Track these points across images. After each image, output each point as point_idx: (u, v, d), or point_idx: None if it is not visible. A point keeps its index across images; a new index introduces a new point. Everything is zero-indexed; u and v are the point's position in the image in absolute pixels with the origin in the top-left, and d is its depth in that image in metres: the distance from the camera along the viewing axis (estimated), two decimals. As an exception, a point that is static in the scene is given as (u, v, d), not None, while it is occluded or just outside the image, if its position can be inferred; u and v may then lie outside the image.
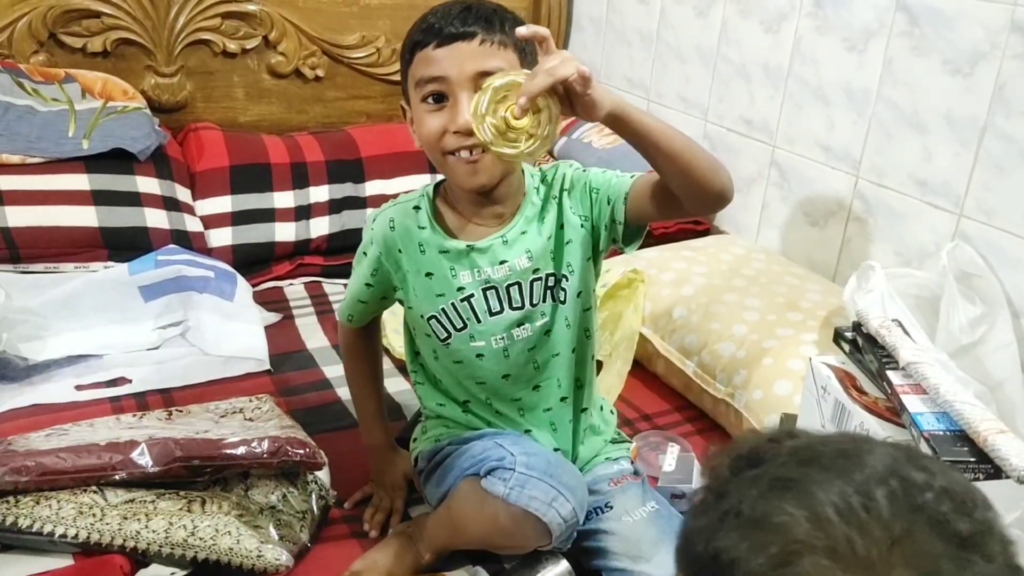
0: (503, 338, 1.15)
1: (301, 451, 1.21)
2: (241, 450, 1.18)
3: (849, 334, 1.05)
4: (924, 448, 0.86)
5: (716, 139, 2.02)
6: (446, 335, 1.16)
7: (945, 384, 0.88)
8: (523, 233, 1.12)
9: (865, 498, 0.48)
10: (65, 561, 1.13)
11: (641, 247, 1.12)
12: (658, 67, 2.20)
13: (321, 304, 1.89)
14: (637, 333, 1.63)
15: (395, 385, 1.55)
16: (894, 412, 0.93)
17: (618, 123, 0.95)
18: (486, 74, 1.01)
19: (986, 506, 0.51)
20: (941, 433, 0.85)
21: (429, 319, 1.15)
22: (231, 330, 1.64)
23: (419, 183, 1.94)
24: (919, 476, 0.50)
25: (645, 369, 1.67)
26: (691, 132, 2.00)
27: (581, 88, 0.90)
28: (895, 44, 1.60)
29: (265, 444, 1.19)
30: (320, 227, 2.02)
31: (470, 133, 0.98)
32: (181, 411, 1.41)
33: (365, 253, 1.19)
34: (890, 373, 0.94)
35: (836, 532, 0.47)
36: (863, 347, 1.01)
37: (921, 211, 1.58)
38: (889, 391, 0.93)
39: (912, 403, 0.89)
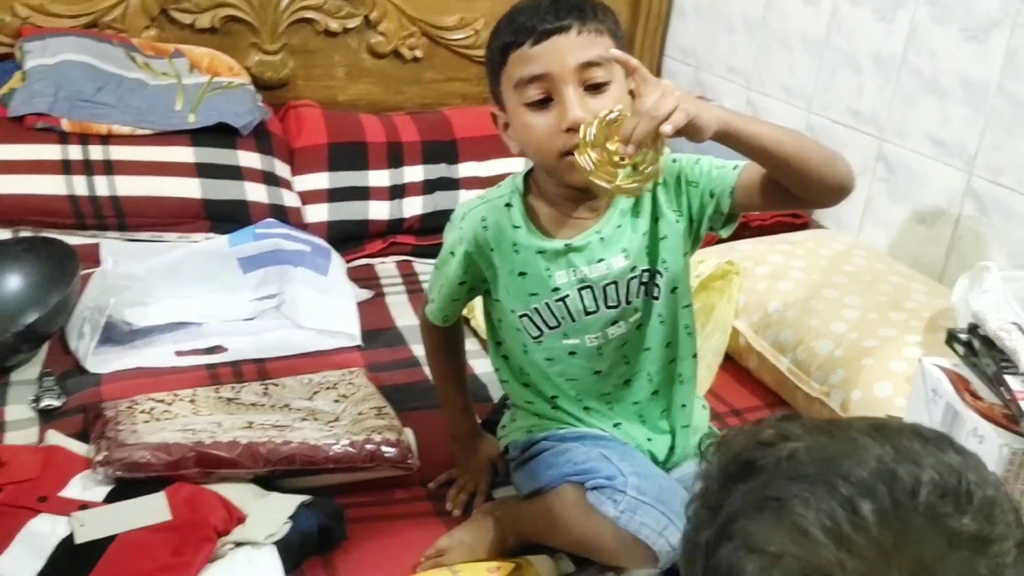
0: (597, 336, 1.13)
1: (393, 450, 1.24)
2: (338, 453, 1.22)
3: (964, 336, 1.00)
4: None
5: (819, 130, 1.96)
6: (538, 333, 1.14)
7: (1071, 392, 0.83)
8: (618, 227, 1.09)
9: (851, 513, 0.49)
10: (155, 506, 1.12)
11: (735, 239, 1.09)
12: (763, 55, 2.14)
13: (412, 283, 1.90)
14: (730, 326, 1.59)
15: (481, 367, 1.54)
16: (1011, 419, 0.88)
17: (726, 139, 0.94)
18: (589, 64, 1.00)
19: (984, 483, 0.50)
20: (1065, 444, 0.81)
21: (521, 316, 1.14)
22: (325, 304, 1.67)
23: (512, 167, 1.93)
24: (908, 474, 0.50)
25: (736, 363, 1.63)
26: (793, 123, 1.95)
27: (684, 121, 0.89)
28: (1019, 35, 1.51)
29: (366, 448, 1.23)
30: (413, 207, 2.03)
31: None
32: (276, 384, 1.44)
33: (452, 253, 1.15)
34: (1008, 378, 0.89)
35: (826, 558, 0.48)
36: (979, 350, 0.97)
37: (1041, 212, 1.50)
38: (1008, 397, 0.88)
39: (1033, 411, 0.84)
